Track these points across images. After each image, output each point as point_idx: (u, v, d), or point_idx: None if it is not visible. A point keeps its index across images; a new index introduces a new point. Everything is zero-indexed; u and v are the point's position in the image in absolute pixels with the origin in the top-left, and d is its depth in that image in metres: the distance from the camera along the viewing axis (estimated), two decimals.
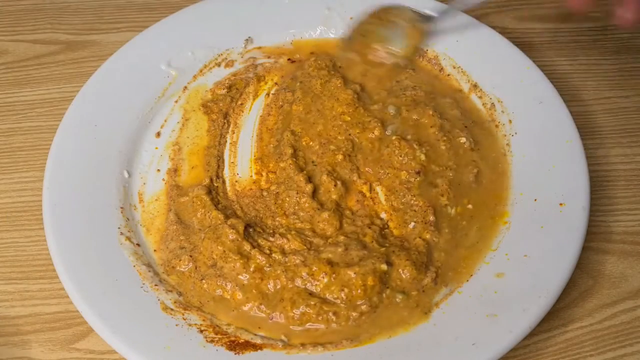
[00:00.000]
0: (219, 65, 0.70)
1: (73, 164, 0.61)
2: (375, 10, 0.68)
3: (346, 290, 0.55)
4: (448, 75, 0.70)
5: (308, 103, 0.67)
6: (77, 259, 0.55)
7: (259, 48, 0.72)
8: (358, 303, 0.55)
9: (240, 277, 0.56)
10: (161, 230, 0.60)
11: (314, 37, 0.73)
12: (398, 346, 0.52)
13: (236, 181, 0.64)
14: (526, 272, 0.55)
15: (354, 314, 0.54)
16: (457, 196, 0.61)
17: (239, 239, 0.57)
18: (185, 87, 0.69)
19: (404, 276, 0.56)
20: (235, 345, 0.52)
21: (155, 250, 0.59)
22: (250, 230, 0.58)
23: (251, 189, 0.63)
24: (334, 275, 0.55)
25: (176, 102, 0.68)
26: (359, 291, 0.55)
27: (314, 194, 0.61)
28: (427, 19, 0.68)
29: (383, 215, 0.61)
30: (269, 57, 0.72)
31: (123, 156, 0.63)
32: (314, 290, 0.55)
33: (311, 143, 0.64)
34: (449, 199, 0.61)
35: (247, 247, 0.57)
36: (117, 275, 0.55)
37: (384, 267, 0.56)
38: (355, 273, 0.55)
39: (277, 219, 0.60)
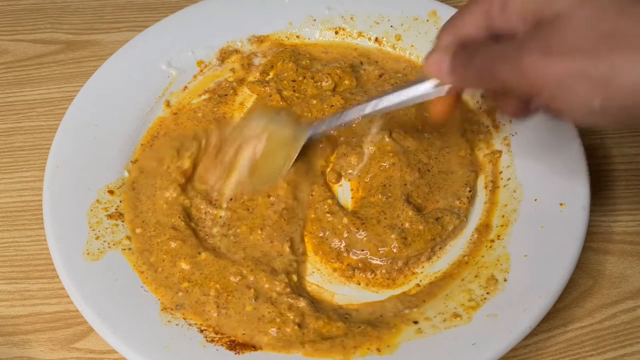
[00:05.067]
0: (219, 65, 0.70)
1: (73, 164, 0.61)
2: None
3: None
4: None
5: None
6: (77, 259, 0.55)
7: (259, 48, 0.72)
8: None
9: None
10: None
11: (315, 37, 0.73)
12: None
13: None
14: (526, 272, 0.55)
15: None
16: None
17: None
18: (185, 87, 0.69)
19: None
20: (236, 345, 0.52)
21: None
22: None
23: None
24: None
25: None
26: None
27: None
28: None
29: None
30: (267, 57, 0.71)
31: (123, 156, 0.63)
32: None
33: None
34: None
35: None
36: (117, 275, 0.55)
37: None
38: None
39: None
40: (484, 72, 0.45)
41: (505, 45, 0.43)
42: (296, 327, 0.53)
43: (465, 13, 0.48)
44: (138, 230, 0.58)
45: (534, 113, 0.50)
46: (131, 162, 0.63)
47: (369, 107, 0.57)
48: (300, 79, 0.68)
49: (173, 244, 0.57)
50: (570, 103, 0.41)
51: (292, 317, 0.53)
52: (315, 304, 0.55)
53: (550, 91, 0.41)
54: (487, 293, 0.54)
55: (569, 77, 0.40)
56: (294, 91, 0.67)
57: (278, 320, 0.53)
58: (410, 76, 0.69)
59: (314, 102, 0.66)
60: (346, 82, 0.68)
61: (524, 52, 0.41)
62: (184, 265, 0.56)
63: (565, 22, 0.40)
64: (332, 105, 0.65)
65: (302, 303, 0.54)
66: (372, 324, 0.53)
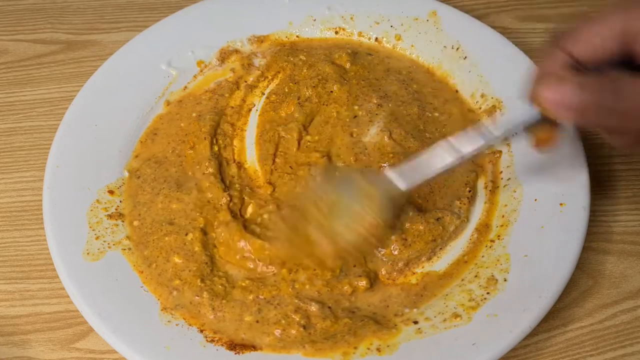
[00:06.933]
0: (219, 65, 0.70)
1: (73, 164, 0.61)
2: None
3: None
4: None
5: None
6: (77, 259, 0.55)
7: (259, 48, 0.72)
8: None
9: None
10: None
11: (315, 36, 0.73)
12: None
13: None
14: (526, 272, 0.55)
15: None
16: None
17: None
18: (185, 87, 0.69)
19: None
20: (236, 345, 0.52)
21: None
22: None
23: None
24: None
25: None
26: None
27: None
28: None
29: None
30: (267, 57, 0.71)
31: (123, 156, 0.63)
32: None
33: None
34: None
35: None
36: (117, 275, 0.55)
37: None
38: None
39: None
40: (634, 113, 0.40)
41: None
42: (301, 329, 0.53)
43: (595, 30, 0.42)
44: (135, 223, 0.58)
45: None
46: (135, 157, 0.63)
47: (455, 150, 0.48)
48: (297, 72, 0.68)
49: (167, 238, 0.57)
50: None
51: (297, 319, 0.53)
52: (322, 302, 0.55)
53: None
54: (487, 293, 0.54)
55: None
56: (294, 83, 0.68)
57: (283, 322, 0.53)
58: (415, 74, 0.69)
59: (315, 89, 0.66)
60: (347, 65, 0.68)
61: None
62: (177, 259, 0.56)
63: None
64: (331, 91, 0.66)
65: (313, 307, 0.54)
66: (375, 319, 0.53)
